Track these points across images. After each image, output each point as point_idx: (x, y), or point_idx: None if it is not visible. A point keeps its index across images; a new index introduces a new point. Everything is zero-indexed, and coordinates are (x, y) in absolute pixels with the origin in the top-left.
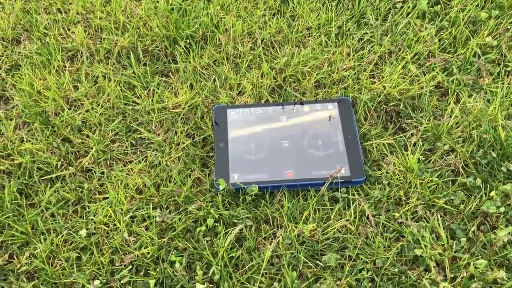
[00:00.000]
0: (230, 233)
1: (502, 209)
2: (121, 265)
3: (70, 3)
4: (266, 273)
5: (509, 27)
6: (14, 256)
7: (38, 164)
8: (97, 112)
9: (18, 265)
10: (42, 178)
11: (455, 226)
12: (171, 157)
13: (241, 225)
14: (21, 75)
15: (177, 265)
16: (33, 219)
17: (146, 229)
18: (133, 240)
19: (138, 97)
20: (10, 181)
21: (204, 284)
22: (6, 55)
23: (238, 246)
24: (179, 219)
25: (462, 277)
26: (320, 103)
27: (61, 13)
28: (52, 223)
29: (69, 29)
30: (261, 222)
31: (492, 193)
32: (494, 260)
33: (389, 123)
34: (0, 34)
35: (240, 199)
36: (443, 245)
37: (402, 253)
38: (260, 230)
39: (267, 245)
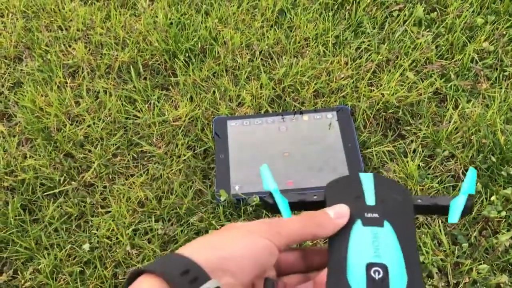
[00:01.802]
0: None
1: (503, 214)
2: (124, 278)
3: (71, 20)
4: None
5: (505, 32)
6: (18, 272)
7: (41, 180)
8: (98, 126)
9: (23, 281)
10: (45, 194)
11: (456, 231)
12: (172, 170)
13: None
14: (23, 92)
15: None
16: (37, 235)
17: (149, 242)
18: (135, 253)
19: (139, 111)
20: (13, 197)
21: None
22: (8, 73)
23: None
24: (181, 231)
25: (465, 283)
26: (319, 112)
27: (61, 30)
28: (55, 238)
29: (70, 46)
30: None
31: (493, 198)
32: (497, 264)
33: (388, 130)
34: (3, 53)
35: (242, 210)
36: (445, 251)
37: None
38: None
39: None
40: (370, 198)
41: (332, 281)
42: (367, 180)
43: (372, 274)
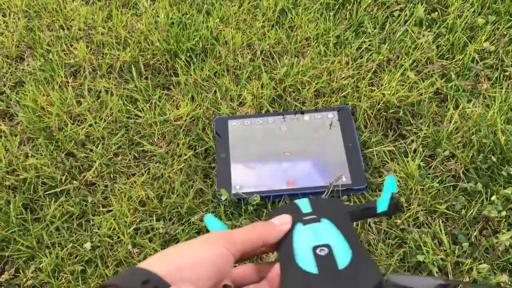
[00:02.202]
0: None
1: (503, 213)
2: None
3: (72, 20)
4: None
5: (506, 32)
6: (20, 271)
7: (43, 179)
8: (100, 126)
9: (24, 279)
10: (47, 193)
11: (457, 231)
12: (173, 169)
13: None
14: (25, 92)
15: None
16: (38, 233)
17: (150, 241)
18: (137, 252)
19: (140, 111)
20: (15, 196)
21: None
22: (10, 72)
23: None
24: (182, 230)
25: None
26: (320, 112)
27: (63, 29)
28: (57, 237)
29: (71, 45)
30: None
31: (493, 198)
32: (497, 264)
33: (389, 130)
34: (4, 52)
35: (242, 209)
36: (445, 250)
37: (405, 259)
38: None
39: (269, 254)
40: (306, 208)
41: (285, 268)
42: (302, 202)
43: (318, 252)
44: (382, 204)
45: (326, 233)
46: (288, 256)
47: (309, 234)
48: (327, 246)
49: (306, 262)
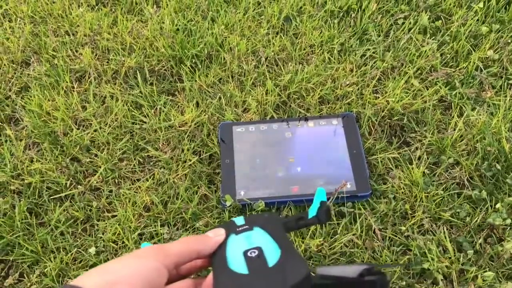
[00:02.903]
0: None
1: (508, 221)
2: None
3: (78, 26)
4: None
5: (509, 41)
6: (25, 275)
7: (48, 184)
8: (105, 131)
9: (29, 284)
10: (52, 197)
11: (461, 238)
12: (178, 175)
13: None
14: (31, 97)
15: None
16: (43, 238)
17: None
18: None
19: (145, 116)
20: (20, 201)
21: None
22: (16, 77)
23: None
24: (187, 235)
25: None
26: (325, 119)
27: (69, 35)
28: (61, 242)
29: (77, 51)
30: None
31: (498, 205)
32: (502, 272)
33: (393, 137)
34: (10, 57)
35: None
36: (450, 258)
37: (410, 266)
38: None
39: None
40: (239, 221)
41: (217, 274)
42: (238, 219)
43: (249, 254)
44: (312, 211)
45: (258, 238)
46: (221, 263)
47: (241, 241)
48: (258, 248)
49: (238, 264)
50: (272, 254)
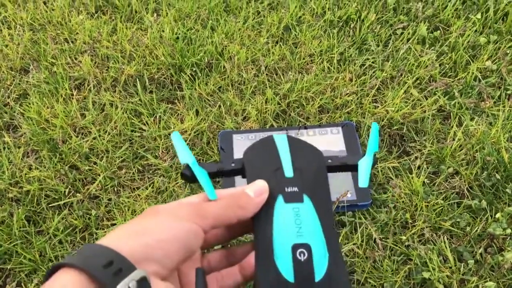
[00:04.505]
0: None
1: (508, 231)
2: None
3: (77, 33)
4: None
5: (507, 51)
6: (22, 284)
7: (46, 191)
8: (104, 139)
9: None
10: (50, 205)
11: (462, 248)
12: (177, 183)
13: None
14: (29, 104)
15: None
16: (41, 246)
17: None
18: None
19: (144, 124)
20: (18, 209)
21: None
22: (14, 84)
23: None
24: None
25: None
26: (324, 128)
27: (68, 43)
28: (60, 250)
29: (76, 58)
30: None
31: (498, 215)
32: (503, 282)
33: (393, 146)
34: (9, 64)
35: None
36: (450, 267)
37: (410, 276)
38: None
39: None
40: (288, 169)
41: (261, 263)
42: (282, 145)
43: (298, 256)
44: (364, 170)
45: (308, 225)
46: (265, 248)
47: (290, 220)
48: (308, 247)
49: (285, 265)
50: (321, 261)
